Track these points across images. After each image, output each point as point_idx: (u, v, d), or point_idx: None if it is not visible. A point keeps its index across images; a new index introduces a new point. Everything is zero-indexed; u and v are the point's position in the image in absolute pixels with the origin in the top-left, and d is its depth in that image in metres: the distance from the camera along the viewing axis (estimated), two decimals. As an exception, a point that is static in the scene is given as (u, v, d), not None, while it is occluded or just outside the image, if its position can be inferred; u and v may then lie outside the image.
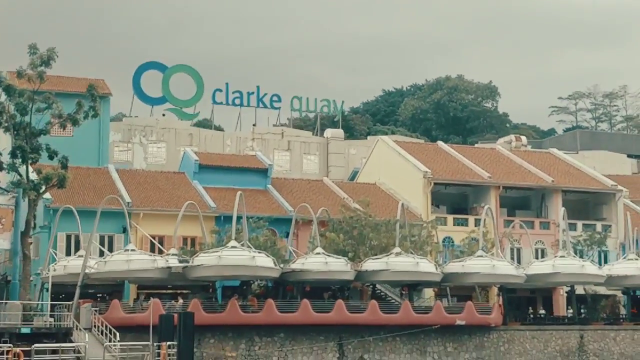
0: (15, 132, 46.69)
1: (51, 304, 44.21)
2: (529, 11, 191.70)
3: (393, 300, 56.18)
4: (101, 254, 51.30)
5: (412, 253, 52.02)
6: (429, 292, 59.58)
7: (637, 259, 57.43)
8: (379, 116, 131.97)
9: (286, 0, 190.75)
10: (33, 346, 36.82)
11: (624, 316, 61.25)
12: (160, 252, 51.79)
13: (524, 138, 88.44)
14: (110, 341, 40.30)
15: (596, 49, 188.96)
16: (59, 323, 42.03)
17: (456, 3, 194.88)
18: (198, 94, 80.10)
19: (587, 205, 70.87)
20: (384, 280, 52.68)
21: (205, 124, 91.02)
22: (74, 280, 46.40)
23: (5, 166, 47.21)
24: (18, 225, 49.83)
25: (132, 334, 42.64)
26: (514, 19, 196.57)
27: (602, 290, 62.01)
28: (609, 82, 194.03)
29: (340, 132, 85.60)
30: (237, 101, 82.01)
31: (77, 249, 51.92)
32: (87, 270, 46.54)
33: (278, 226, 57.39)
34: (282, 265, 49.55)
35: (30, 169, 47.86)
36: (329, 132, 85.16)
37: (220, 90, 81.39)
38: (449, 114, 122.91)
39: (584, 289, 59.84)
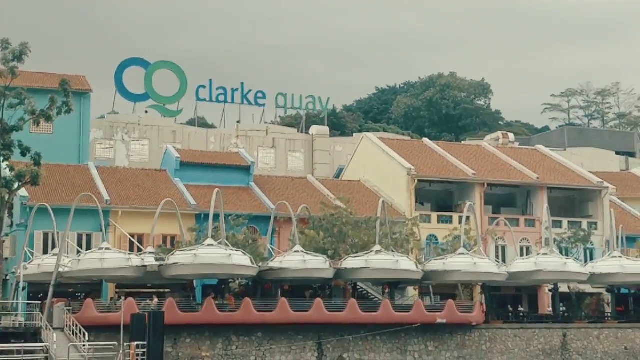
0: (-14, 129, 45.94)
1: (26, 304, 43.67)
2: (523, 8, 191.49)
3: (376, 299, 55.58)
4: (79, 252, 50.69)
5: (393, 251, 51.45)
6: (413, 291, 59.03)
7: (620, 257, 56.86)
8: (372, 114, 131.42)
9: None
10: (-2, 346, 36.27)
11: (609, 314, 60.69)
12: (140, 250, 51.22)
13: (511, 135, 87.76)
14: (80, 341, 39.63)
15: (590, 47, 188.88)
16: (30, 323, 41.40)
17: (450, 1, 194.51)
18: (181, 91, 79.38)
19: (573, 202, 70.32)
20: (364, 278, 52.10)
21: (200, 123, 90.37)
22: (48, 279, 45.81)
23: (-24, 164, 46.49)
24: (-10, 224, 49.06)
25: (106, 334, 42.07)
26: (507, 17, 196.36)
27: (588, 288, 61.46)
28: (603, 79, 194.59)
29: (325, 129, 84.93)
30: (222, 98, 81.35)
31: (54, 247, 51.20)
32: (60, 269, 45.92)
33: (260, 224, 56.77)
34: (260, 264, 48.95)
35: (3, 165, 47.10)
36: (314, 129, 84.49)
37: (204, 87, 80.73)
38: (441, 111, 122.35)
39: (569, 287, 59.20)
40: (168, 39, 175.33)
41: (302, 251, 50.00)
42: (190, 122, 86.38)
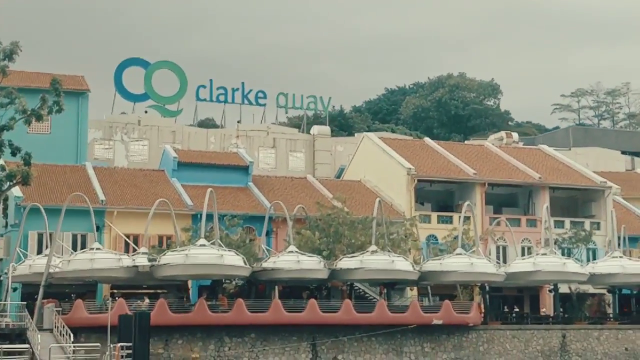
0: (-24, 128, 45.70)
1: (18, 305, 43.39)
2: (532, 9, 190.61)
3: (374, 300, 54.94)
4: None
5: (389, 251, 50.84)
6: (412, 292, 58.41)
7: (621, 257, 56.06)
8: (381, 115, 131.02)
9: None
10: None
11: (610, 315, 59.91)
12: (135, 251, 50.82)
13: (515, 135, 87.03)
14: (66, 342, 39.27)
15: (600, 47, 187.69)
16: (18, 324, 41.08)
17: (460, 2, 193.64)
18: (181, 91, 78.96)
19: (575, 202, 69.55)
20: (359, 279, 51.49)
21: (207, 124, 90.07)
22: (40, 280, 45.52)
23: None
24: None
25: (97, 335, 41.73)
26: (517, 17, 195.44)
27: (589, 289, 60.68)
28: (613, 79, 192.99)
29: (327, 129, 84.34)
30: (222, 98, 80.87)
31: (48, 247, 50.90)
32: (51, 270, 45.59)
33: (258, 224, 56.28)
34: (254, 264, 48.45)
35: (-6, 165, 46.86)
36: (315, 129, 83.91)
37: (205, 87, 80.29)
38: (450, 112, 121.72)
39: (569, 288, 58.44)
40: (170, 40, 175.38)
41: (296, 251, 49.46)
42: (199, 124, 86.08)
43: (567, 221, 65.49)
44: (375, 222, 51.62)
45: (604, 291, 61.57)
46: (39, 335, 38.60)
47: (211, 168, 62.95)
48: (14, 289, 47.96)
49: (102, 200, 54.90)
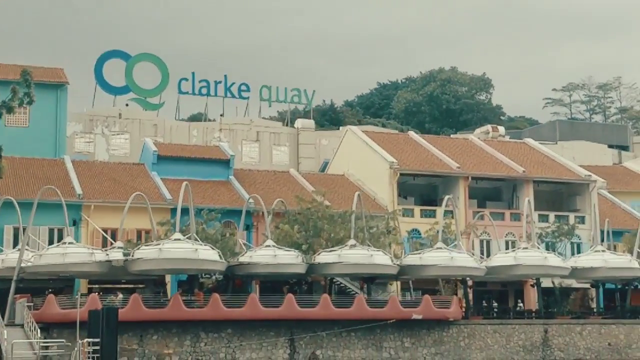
0: (-54, 122, 44.94)
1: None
2: (524, 3, 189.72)
3: (355, 294, 54.31)
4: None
5: (368, 245, 50.21)
6: (394, 286, 57.84)
7: (604, 251, 55.51)
8: (373, 109, 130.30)
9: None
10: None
11: (594, 310, 59.37)
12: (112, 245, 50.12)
13: (501, 128, 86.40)
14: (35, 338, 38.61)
15: (592, 41, 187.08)
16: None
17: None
18: (163, 84, 78.00)
19: (560, 196, 68.98)
20: (337, 273, 50.86)
21: (198, 119, 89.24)
22: (12, 275, 44.82)
23: None
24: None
25: (69, 330, 41.07)
26: (509, 11, 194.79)
27: (574, 283, 60.19)
28: (605, 74, 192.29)
29: (310, 122, 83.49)
30: (204, 91, 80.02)
31: (24, 242, 50.21)
32: (23, 264, 44.90)
33: (237, 218, 55.50)
34: (229, 259, 47.78)
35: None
36: (299, 123, 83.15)
37: (187, 80, 79.40)
38: (442, 106, 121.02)
39: (552, 282, 57.88)
40: (152, 32, 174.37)
41: (273, 246, 48.82)
42: (192, 118, 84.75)
43: (552, 215, 64.90)
44: (355, 216, 50.99)
45: (588, 285, 61.00)
46: (6, 331, 37.86)
47: (192, 162, 62.31)
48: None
49: (79, 194, 54.23)
